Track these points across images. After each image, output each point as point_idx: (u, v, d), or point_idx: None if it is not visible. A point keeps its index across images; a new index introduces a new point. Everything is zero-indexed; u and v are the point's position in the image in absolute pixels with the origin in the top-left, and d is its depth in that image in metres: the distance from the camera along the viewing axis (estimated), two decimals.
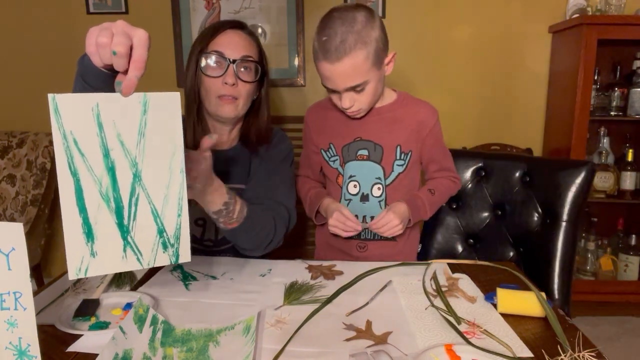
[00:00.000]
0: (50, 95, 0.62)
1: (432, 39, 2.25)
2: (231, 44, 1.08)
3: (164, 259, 0.69)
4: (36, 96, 2.35)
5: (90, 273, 0.65)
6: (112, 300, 0.87)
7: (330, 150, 1.26)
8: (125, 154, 0.65)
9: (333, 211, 1.17)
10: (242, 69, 1.08)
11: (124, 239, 0.67)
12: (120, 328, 0.70)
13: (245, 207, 0.98)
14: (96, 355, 0.65)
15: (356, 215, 1.21)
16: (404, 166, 1.20)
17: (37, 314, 0.80)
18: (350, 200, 1.24)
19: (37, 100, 2.35)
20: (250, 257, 1.13)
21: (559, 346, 0.70)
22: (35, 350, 0.59)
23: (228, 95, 1.07)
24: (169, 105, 0.66)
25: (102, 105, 0.63)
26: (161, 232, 0.69)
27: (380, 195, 1.22)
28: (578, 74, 2.00)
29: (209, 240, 1.18)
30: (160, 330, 0.75)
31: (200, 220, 1.17)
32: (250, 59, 1.09)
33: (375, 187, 1.21)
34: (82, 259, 0.65)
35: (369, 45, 1.03)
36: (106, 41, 0.63)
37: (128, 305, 0.84)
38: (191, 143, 1.12)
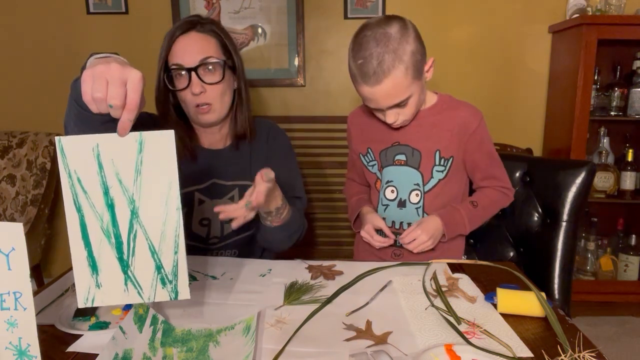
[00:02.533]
0: (56, 138, 0.66)
1: (432, 39, 2.24)
2: (186, 51, 1.04)
3: (163, 295, 0.71)
4: (36, 96, 2.35)
5: (96, 303, 0.69)
6: None
7: (368, 155, 1.23)
8: (123, 192, 0.68)
9: (367, 222, 1.17)
10: (206, 72, 1.06)
11: (125, 272, 0.70)
12: (120, 328, 0.70)
13: (290, 211, 1.07)
14: (96, 355, 0.65)
15: (393, 222, 1.19)
16: (445, 172, 1.15)
17: (37, 314, 0.80)
18: (387, 205, 1.20)
19: (37, 101, 2.35)
20: (250, 257, 1.15)
21: (559, 346, 0.70)
22: (35, 350, 0.59)
23: (202, 103, 1.07)
24: (163, 143, 0.68)
25: (102, 146, 0.66)
26: (159, 268, 0.71)
27: (418, 202, 1.17)
28: (578, 74, 1.99)
29: (215, 238, 1.18)
30: (160, 330, 0.75)
31: (205, 220, 1.17)
32: (211, 59, 1.05)
33: (414, 193, 1.17)
34: (89, 289, 0.68)
35: (406, 61, 1.00)
36: (101, 96, 0.65)
37: (128, 305, 0.83)
38: (180, 148, 1.10)
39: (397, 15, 1.05)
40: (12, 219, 2.17)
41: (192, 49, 1.04)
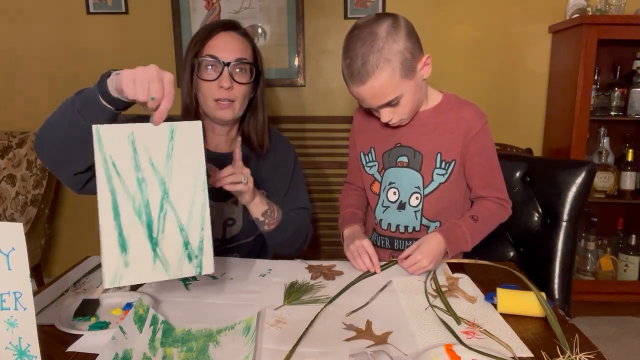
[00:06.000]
0: (94, 127, 0.72)
1: (432, 39, 2.25)
2: (225, 47, 1.08)
3: (189, 270, 0.77)
4: (36, 96, 2.34)
5: (123, 282, 0.73)
6: (112, 300, 0.87)
7: (370, 154, 1.20)
8: (155, 174, 0.75)
9: (351, 243, 1.08)
10: (237, 71, 1.09)
11: (154, 250, 0.75)
12: (120, 328, 0.70)
13: (281, 211, 1.12)
14: (96, 355, 0.65)
15: (389, 225, 1.17)
16: (446, 176, 1.11)
17: (37, 314, 0.80)
18: (387, 207, 1.17)
19: (37, 100, 2.35)
20: (255, 258, 1.16)
21: (557, 347, 0.70)
22: (35, 350, 0.59)
23: (224, 98, 1.09)
24: (192, 132, 0.77)
25: (137, 134, 0.74)
26: (186, 244, 0.77)
27: (417, 206, 1.14)
28: (578, 74, 1.99)
29: (216, 240, 1.19)
30: (160, 330, 0.75)
31: None
32: (245, 60, 1.10)
33: (414, 196, 1.14)
34: (116, 270, 0.72)
35: (392, 60, 0.97)
36: (144, 92, 0.76)
37: (128, 305, 0.84)
38: None
39: (390, 13, 1.03)
40: (12, 219, 2.17)
41: (231, 46, 1.09)
